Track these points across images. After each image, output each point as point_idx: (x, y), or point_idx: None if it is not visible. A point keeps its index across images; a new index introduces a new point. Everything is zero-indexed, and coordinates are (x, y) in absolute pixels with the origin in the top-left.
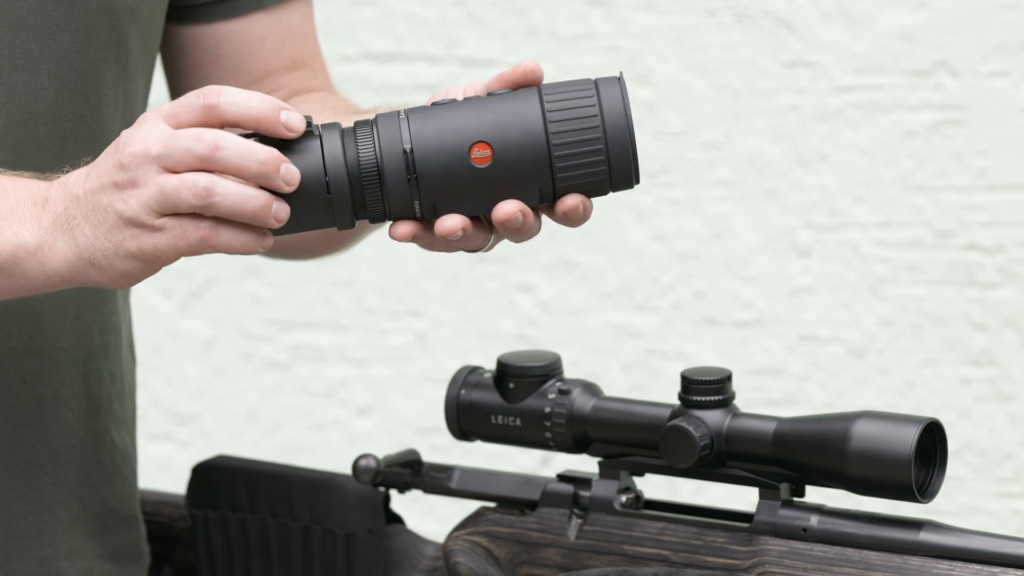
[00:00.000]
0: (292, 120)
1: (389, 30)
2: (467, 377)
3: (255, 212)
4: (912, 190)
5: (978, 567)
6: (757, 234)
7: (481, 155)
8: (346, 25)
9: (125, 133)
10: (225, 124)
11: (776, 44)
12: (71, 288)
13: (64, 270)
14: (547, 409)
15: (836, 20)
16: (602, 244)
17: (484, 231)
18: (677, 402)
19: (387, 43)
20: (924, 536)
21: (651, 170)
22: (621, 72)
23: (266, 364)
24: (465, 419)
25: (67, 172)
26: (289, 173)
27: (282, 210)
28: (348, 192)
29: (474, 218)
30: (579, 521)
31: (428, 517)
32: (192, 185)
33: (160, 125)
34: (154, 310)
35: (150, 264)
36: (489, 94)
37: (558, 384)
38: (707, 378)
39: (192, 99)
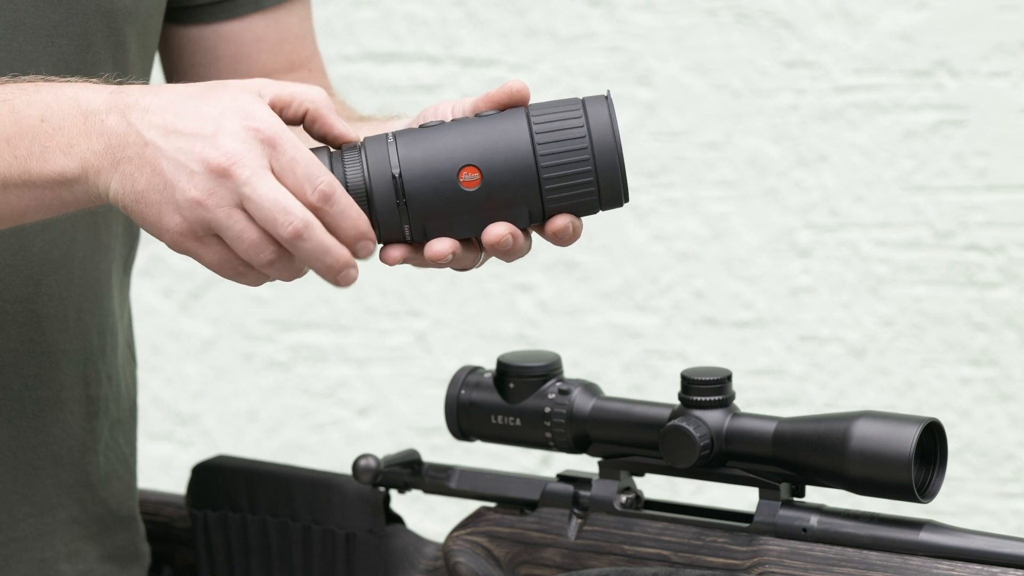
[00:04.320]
0: (343, 280)
1: (389, 30)
2: (467, 377)
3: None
4: (912, 190)
5: (978, 567)
6: (757, 234)
7: (470, 179)
8: (346, 25)
9: (229, 123)
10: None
11: (776, 44)
12: (71, 291)
13: (105, 195)
14: (547, 409)
15: (836, 20)
16: (602, 244)
17: (474, 251)
18: (677, 402)
19: (387, 43)
20: (924, 536)
21: (651, 170)
22: (608, 91)
23: (266, 364)
24: (465, 419)
25: (123, 85)
26: (347, 279)
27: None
28: None
29: (464, 240)
30: (579, 521)
31: (428, 517)
32: (257, 254)
33: (259, 153)
34: (154, 310)
35: (160, 240)
36: (476, 115)
37: (558, 384)
38: (707, 378)
39: (304, 187)
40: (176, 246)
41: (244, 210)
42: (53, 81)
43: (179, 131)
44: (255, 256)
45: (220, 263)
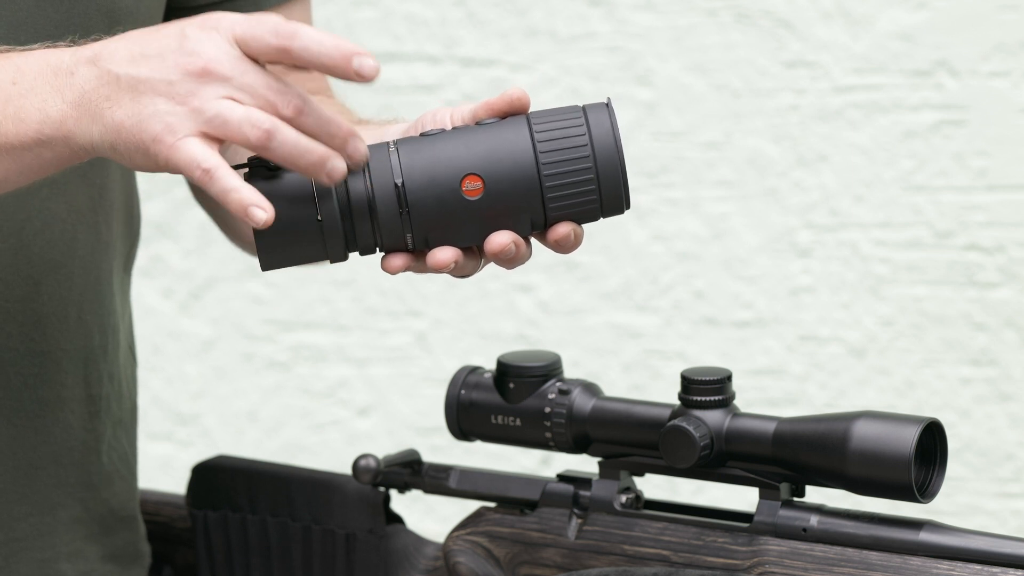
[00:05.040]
0: (365, 67)
1: (389, 30)
2: (467, 377)
3: (310, 165)
4: (912, 190)
5: (978, 567)
6: (757, 234)
7: (472, 187)
8: (346, 25)
9: (192, 33)
10: (296, 66)
11: (776, 44)
12: (72, 290)
13: (88, 146)
14: (547, 409)
15: (836, 20)
16: (602, 244)
17: (475, 259)
18: (677, 402)
19: (387, 43)
20: (924, 536)
21: (651, 170)
22: (609, 98)
23: (266, 364)
24: (465, 419)
25: (87, 43)
26: (358, 152)
27: (338, 168)
28: (340, 226)
29: (466, 248)
30: (579, 521)
31: (428, 517)
32: (256, 123)
33: (230, 48)
34: (154, 310)
35: (160, 169)
36: (477, 123)
37: (558, 384)
38: (707, 378)
39: (266, 35)
40: (155, 156)
41: (234, 100)
42: (20, 49)
43: (147, 54)
44: (249, 130)
45: (192, 160)
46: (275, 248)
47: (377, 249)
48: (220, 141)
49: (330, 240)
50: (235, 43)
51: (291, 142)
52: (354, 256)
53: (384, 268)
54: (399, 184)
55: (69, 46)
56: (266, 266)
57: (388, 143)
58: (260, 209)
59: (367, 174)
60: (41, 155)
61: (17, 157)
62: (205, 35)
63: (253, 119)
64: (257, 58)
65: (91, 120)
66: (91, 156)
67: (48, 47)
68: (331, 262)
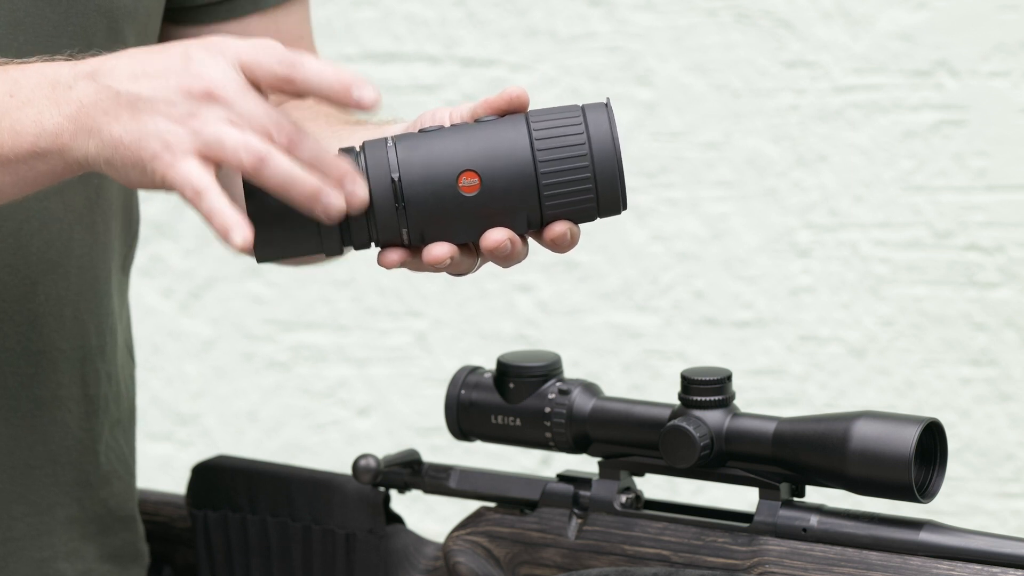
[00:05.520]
0: (365, 97)
1: (389, 30)
2: (467, 377)
3: (303, 196)
4: (912, 190)
5: (978, 567)
6: (757, 234)
7: (469, 184)
8: (346, 25)
9: (197, 55)
10: (298, 95)
11: (776, 44)
12: (69, 290)
13: (83, 160)
14: (547, 409)
15: (836, 20)
16: (602, 244)
17: (471, 256)
18: (677, 402)
19: (387, 43)
20: (924, 536)
21: (651, 170)
22: (608, 98)
23: (266, 364)
24: (465, 419)
25: (86, 57)
26: (355, 195)
27: (334, 204)
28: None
29: (462, 245)
30: (579, 521)
31: (428, 517)
32: (251, 149)
33: (234, 73)
34: (154, 310)
35: (155, 187)
36: (476, 121)
37: (558, 384)
38: (707, 378)
39: (271, 63)
40: (151, 174)
41: (233, 125)
42: (18, 62)
43: (149, 73)
44: (244, 155)
45: (186, 179)
46: (271, 241)
47: (372, 244)
48: (216, 164)
49: (326, 233)
50: (239, 69)
51: (284, 170)
52: (351, 253)
53: (380, 263)
54: (396, 179)
55: (68, 59)
56: (262, 258)
57: (386, 138)
58: (239, 230)
59: (364, 168)
60: (36, 167)
61: (13, 169)
62: (210, 58)
63: (249, 145)
64: (259, 85)
65: (87, 134)
66: (85, 170)
67: (46, 60)
68: (327, 256)
